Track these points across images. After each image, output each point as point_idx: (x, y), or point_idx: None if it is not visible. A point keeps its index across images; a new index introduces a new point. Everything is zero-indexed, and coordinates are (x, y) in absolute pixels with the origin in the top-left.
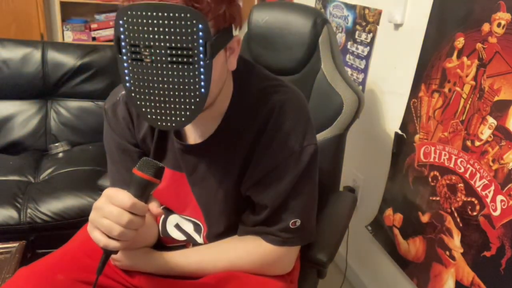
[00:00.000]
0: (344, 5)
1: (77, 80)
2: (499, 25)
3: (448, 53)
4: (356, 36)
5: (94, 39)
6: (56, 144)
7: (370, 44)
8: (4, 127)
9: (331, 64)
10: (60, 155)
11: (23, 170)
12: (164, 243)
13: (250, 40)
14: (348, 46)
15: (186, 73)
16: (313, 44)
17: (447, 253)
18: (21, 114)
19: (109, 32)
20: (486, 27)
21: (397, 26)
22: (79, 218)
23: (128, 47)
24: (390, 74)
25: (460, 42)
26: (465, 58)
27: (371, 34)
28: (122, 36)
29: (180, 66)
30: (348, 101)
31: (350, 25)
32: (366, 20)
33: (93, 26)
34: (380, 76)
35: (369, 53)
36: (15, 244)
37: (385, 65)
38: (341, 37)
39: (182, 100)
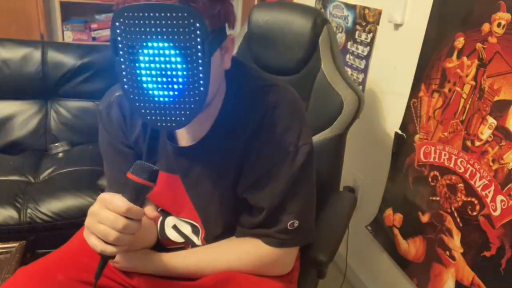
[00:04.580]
0: (344, 5)
1: (77, 80)
2: (499, 25)
3: (448, 53)
4: (356, 36)
5: (94, 39)
6: (56, 144)
7: (370, 44)
8: (4, 127)
9: (331, 64)
10: (60, 155)
11: (23, 170)
12: (163, 245)
13: (250, 40)
14: (348, 46)
15: (185, 73)
16: (313, 44)
17: (447, 253)
18: (21, 114)
19: (109, 32)
20: (486, 27)
21: (397, 26)
22: (79, 218)
23: (125, 48)
24: (390, 74)
25: (460, 42)
26: (465, 58)
27: (371, 34)
28: (119, 38)
29: (178, 66)
30: (348, 101)
31: (350, 25)
32: (366, 20)
33: (93, 26)
34: (380, 76)
35: (369, 53)
36: (15, 244)
37: (385, 65)
38: (341, 37)
39: (181, 99)
